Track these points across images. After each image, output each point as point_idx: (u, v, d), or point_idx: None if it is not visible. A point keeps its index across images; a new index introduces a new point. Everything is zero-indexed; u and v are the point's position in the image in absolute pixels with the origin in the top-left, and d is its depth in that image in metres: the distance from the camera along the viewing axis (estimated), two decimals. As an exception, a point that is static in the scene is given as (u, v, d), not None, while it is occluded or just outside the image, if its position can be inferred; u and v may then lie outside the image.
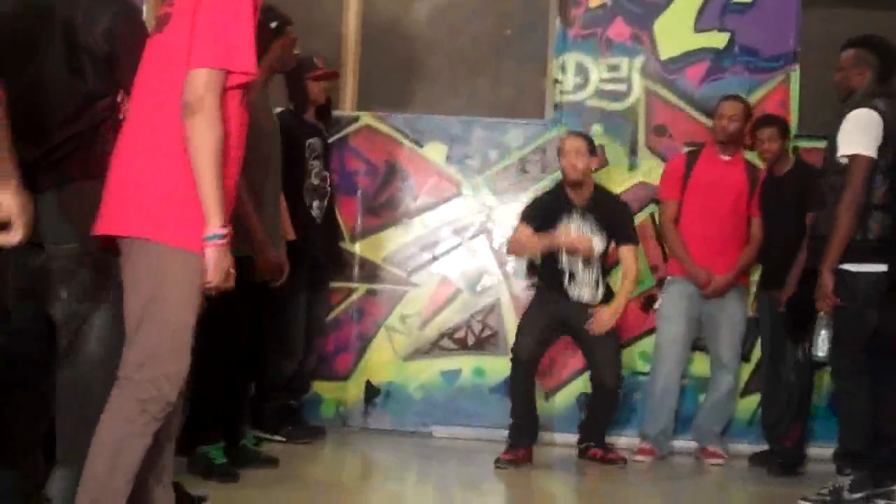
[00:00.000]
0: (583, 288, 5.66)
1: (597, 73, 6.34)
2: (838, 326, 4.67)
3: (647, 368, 6.07)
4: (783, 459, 5.54)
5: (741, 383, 6.07)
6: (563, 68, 6.34)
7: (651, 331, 6.10)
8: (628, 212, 5.87)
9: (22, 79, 3.05)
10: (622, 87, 6.31)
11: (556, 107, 6.35)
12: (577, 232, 5.63)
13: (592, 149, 5.69)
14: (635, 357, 6.21)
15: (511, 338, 6.18)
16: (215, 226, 2.87)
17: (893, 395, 4.72)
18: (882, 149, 4.62)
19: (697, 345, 6.06)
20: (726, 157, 5.93)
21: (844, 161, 4.64)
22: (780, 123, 5.83)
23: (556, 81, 6.36)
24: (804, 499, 4.68)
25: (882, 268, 4.63)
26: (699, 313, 5.92)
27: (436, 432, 6.18)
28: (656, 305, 6.05)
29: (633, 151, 6.31)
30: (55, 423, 3.19)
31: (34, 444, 3.21)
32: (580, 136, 5.73)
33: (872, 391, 4.71)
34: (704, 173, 5.86)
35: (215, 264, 2.89)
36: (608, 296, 5.70)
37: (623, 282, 5.71)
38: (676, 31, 6.30)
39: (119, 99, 3.26)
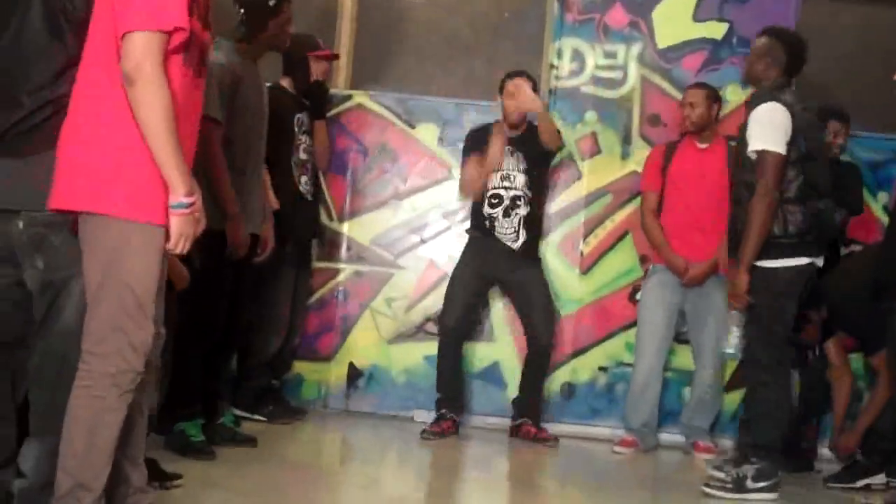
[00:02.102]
0: (504, 235, 5.77)
1: (593, 59, 6.27)
2: (760, 320, 4.67)
3: (631, 359, 6.01)
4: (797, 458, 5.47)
5: (726, 377, 6.02)
6: (559, 53, 6.28)
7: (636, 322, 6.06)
8: None
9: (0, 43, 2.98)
10: (618, 75, 6.25)
11: (551, 92, 6.28)
12: (508, 167, 5.78)
13: (535, 90, 5.81)
14: (622, 347, 6.16)
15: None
16: (180, 194, 2.83)
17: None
18: (791, 143, 4.62)
19: (681, 337, 6.01)
20: (703, 146, 5.86)
21: (754, 157, 4.64)
22: None
23: (552, 66, 6.30)
24: (706, 484, 4.71)
25: (803, 261, 4.65)
26: (681, 303, 5.86)
27: (417, 417, 6.12)
28: (638, 296, 6.01)
29: (626, 140, 6.25)
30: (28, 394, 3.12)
31: (7, 414, 3.14)
32: (525, 77, 5.80)
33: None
34: (682, 163, 5.82)
35: (178, 233, 2.87)
36: (534, 239, 5.86)
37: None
38: (675, 20, 6.25)
39: None
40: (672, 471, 5.61)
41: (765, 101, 4.68)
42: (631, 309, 6.12)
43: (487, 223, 5.79)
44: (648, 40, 6.23)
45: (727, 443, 5.90)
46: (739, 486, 4.63)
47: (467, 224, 6.16)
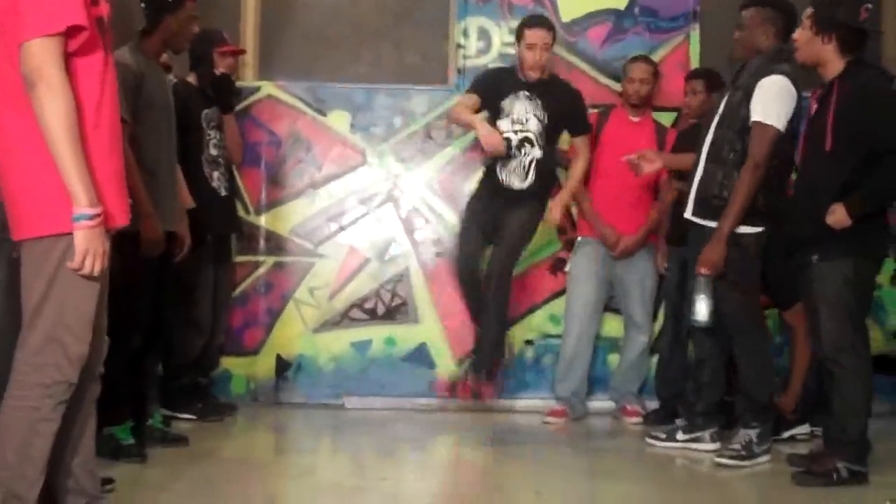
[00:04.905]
0: (511, 177, 5.60)
1: (499, 36, 6.32)
2: (741, 284, 4.74)
3: (557, 331, 6.09)
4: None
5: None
6: (465, 33, 6.31)
7: (560, 293, 6.12)
8: (582, 100, 5.77)
9: None
10: (525, 51, 6.27)
11: (460, 72, 6.31)
12: (521, 111, 5.59)
13: (554, 39, 5.66)
14: (546, 319, 6.23)
15: (421, 306, 6.22)
16: (82, 205, 2.76)
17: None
18: (792, 117, 4.69)
19: (608, 305, 6.09)
20: (635, 119, 5.97)
21: (750, 123, 4.68)
22: (712, 76, 5.79)
23: (459, 46, 6.32)
24: (719, 455, 4.79)
25: (761, 228, 4.73)
26: (610, 274, 5.95)
27: (348, 404, 6.14)
28: (567, 268, 6.07)
29: (537, 114, 6.29)
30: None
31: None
32: (545, 28, 5.59)
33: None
34: (613, 134, 5.89)
35: (83, 249, 2.78)
36: (543, 185, 5.67)
37: (573, 169, 5.71)
38: (577, -7, 6.30)
39: None
40: (604, 435, 5.70)
41: (772, 71, 4.67)
42: (553, 281, 6.20)
43: (495, 166, 5.63)
44: (552, 14, 6.27)
45: (652, 404, 6.00)
46: (750, 452, 4.74)
47: (386, 209, 6.19)
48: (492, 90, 5.64)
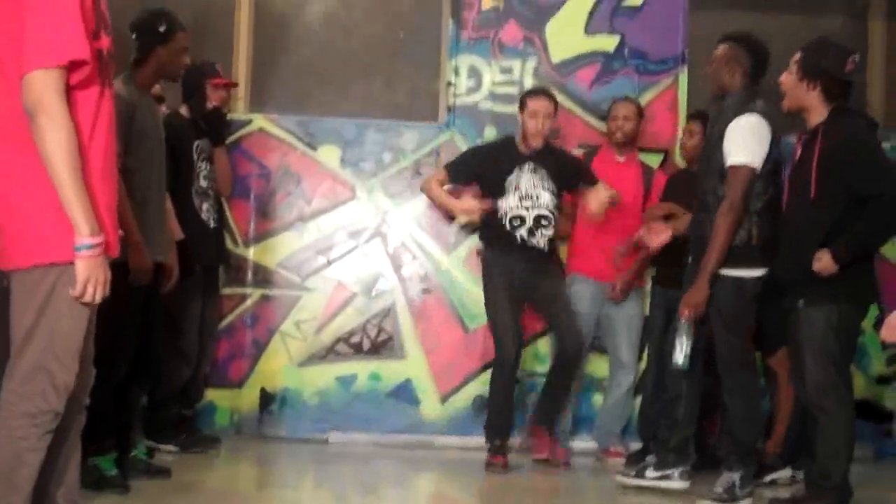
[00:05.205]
0: (532, 245, 5.59)
1: (490, 75, 6.37)
2: (730, 326, 4.74)
3: (542, 369, 6.10)
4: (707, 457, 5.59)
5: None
6: (456, 71, 6.36)
7: (545, 332, 6.14)
8: (581, 160, 5.86)
9: None
10: (515, 90, 6.32)
11: (450, 109, 6.36)
12: (529, 185, 5.59)
13: (556, 109, 5.72)
14: (531, 357, 6.24)
15: (406, 342, 6.22)
16: (84, 234, 2.77)
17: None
18: (768, 155, 4.71)
19: (593, 345, 6.11)
20: (621, 159, 6.01)
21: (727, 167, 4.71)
22: (708, 118, 5.81)
23: (450, 84, 6.37)
24: (702, 498, 4.78)
25: (764, 270, 4.73)
26: (598, 314, 5.96)
27: (332, 438, 6.13)
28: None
29: (526, 154, 6.34)
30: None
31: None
32: (547, 97, 5.68)
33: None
34: (599, 174, 5.91)
35: (85, 278, 2.78)
36: (553, 259, 5.69)
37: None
38: (567, 35, 6.37)
39: None
40: (585, 477, 5.70)
41: (742, 111, 4.71)
42: (539, 320, 6.20)
43: (509, 239, 5.59)
44: (543, 55, 6.35)
45: (636, 445, 6.00)
46: (733, 495, 4.73)
47: (374, 244, 6.21)
48: (491, 168, 5.67)
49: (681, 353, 4.73)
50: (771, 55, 4.88)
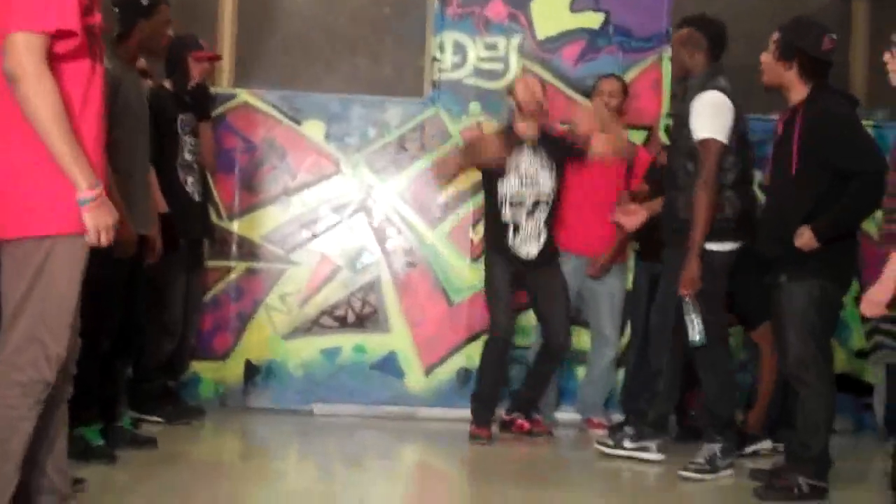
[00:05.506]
0: (529, 242, 5.60)
1: (475, 51, 6.38)
2: (704, 301, 4.79)
3: (526, 342, 6.15)
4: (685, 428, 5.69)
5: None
6: (441, 47, 6.37)
7: (529, 305, 6.18)
8: (565, 134, 5.87)
9: None
10: (499, 66, 6.35)
11: (435, 85, 6.38)
12: (528, 167, 5.59)
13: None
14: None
15: (391, 315, 6.26)
16: (83, 189, 2.81)
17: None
18: (733, 130, 4.77)
19: (575, 319, 6.16)
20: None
21: (695, 144, 4.77)
22: None
23: (435, 60, 6.39)
24: (684, 469, 4.84)
25: (737, 244, 4.81)
26: (580, 287, 6.01)
27: (317, 410, 6.17)
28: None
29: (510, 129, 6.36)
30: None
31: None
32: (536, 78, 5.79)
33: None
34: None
35: (94, 227, 2.84)
36: (550, 248, 5.68)
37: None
38: (553, 12, 6.38)
39: None
40: (568, 447, 5.76)
41: (705, 89, 4.78)
42: (520, 294, 6.23)
43: (506, 233, 5.59)
44: (528, 32, 6.36)
45: (618, 417, 6.05)
46: (714, 466, 4.80)
47: (358, 218, 6.24)
48: None
49: (694, 331, 4.78)
50: (746, 33, 4.97)
